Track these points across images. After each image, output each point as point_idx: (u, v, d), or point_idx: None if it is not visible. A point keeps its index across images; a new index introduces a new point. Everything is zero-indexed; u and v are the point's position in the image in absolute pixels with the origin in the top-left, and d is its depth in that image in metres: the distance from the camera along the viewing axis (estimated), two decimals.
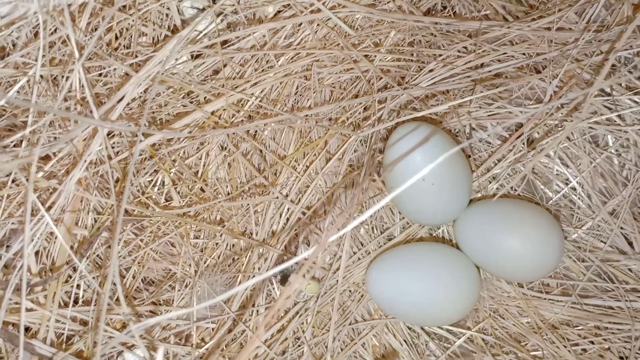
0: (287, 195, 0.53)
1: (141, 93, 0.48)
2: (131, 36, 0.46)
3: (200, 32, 0.48)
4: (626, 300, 0.51)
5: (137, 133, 0.40)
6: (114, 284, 0.34)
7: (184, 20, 0.48)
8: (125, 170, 0.49)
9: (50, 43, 0.43)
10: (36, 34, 0.44)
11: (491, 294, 0.54)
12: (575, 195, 0.54)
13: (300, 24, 0.48)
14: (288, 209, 0.53)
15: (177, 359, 0.49)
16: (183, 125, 0.49)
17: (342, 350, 0.52)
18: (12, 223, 0.44)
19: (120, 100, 0.42)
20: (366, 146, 0.54)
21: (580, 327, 0.52)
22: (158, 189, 0.51)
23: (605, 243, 0.53)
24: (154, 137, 0.47)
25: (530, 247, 0.50)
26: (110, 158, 0.47)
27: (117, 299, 0.46)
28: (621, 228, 0.52)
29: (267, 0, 0.46)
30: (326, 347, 0.51)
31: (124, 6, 0.46)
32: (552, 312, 0.53)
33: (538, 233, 0.51)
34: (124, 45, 0.47)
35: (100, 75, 0.46)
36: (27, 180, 0.42)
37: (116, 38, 0.47)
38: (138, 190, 0.50)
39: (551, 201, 0.55)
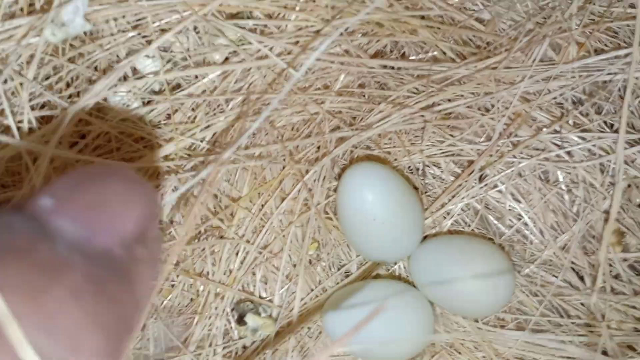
0: (242, 236, 0.53)
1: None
2: (80, 84, 0.47)
3: (149, 76, 0.49)
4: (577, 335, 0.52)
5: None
6: None
7: (135, 68, 0.49)
8: None
9: None
10: None
11: (447, 329, 0.55)
12: (528, 231, 0.55)
13: (250, 69, 0.49)
14: (244, 249, 0.53)
15: None
16: (137, 169, 0.50)
17: None
18: None
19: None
20: (320, 186, 0.54)
21: None
22: None
23: (557, 277, 0.53)
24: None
25: (482, 283, 0.51)
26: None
27: None
28: (572, 263, 0.53)
29: (214, 48, 0.47)
30: None
31: (73, 56, 0.46)
32: (506, 347, 0.53)
33: (490, 268, 0.51)
34: (74, 94, 0.48)
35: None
36: None
37: (67, 86, 0.48)
38: None
39: (504, 236, 0.55)
